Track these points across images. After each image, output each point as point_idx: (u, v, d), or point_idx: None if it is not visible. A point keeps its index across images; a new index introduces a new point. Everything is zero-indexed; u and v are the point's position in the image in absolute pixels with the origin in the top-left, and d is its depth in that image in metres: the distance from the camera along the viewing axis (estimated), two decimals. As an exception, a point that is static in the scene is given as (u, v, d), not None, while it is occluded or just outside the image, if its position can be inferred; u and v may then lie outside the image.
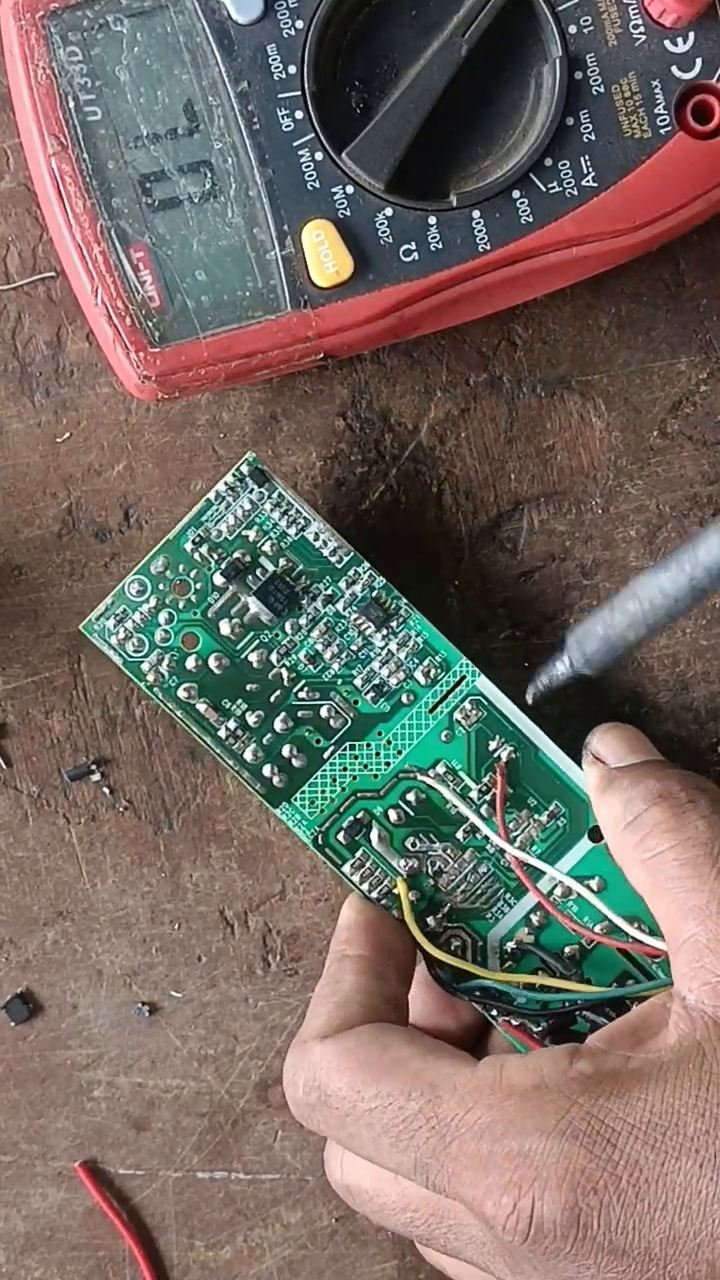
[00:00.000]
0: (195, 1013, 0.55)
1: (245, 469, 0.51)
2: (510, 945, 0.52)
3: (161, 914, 0.54)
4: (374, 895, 0.52)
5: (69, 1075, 0.55)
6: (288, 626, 0.51)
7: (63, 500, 0.54)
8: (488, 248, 0.49)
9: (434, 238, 0.49)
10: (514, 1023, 0.51)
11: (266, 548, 0.51)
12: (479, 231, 0.49)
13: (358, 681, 0.52)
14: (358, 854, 0.52)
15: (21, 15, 0.48)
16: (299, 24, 0.48)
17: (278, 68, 0.49)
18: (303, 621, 0.51)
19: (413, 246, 0.49)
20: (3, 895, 0.54)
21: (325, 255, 0.49)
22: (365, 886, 0.52)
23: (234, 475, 0.51)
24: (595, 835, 0.52)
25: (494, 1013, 0.51)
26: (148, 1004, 0.55)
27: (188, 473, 0.54)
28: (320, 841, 0.52)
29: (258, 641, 0.51)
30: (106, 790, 0.54)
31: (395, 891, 0.51)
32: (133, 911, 0.54)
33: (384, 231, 0.49)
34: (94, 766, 0.54)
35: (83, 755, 0.54)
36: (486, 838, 0.51)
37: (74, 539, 0.54)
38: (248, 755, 0.51)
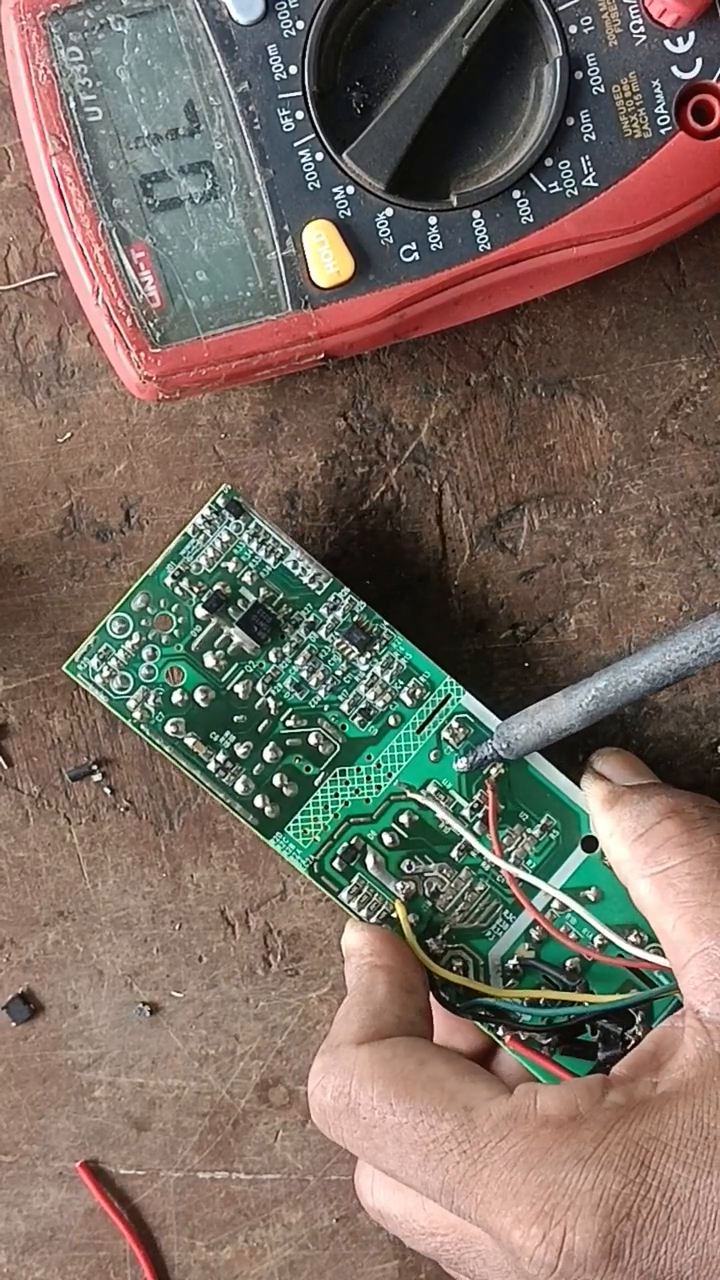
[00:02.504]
0: (196, 1013, 0.55)
1: (221, 501, 0.51)
2: (512, 962, 0.52)
3: (162, 914, 0.54)
4: (372, 921, 0.51)
5: (70, 1075, 0.55)
6: (272, 655, 0.51)
7: (64, 500, 0.54)
8: (488, 248, 0.49)
9: (434, 238, 0.49)
10: (521, 1038, 0.51)
11: (246, 578, 0.51)
12: (479, 231, 0.49)
13: (344, 706, 0.52)
14: (354, 880, 0.51)
15: (22, 15, 0.48)
16: (300, 24, 0.48)
17: (278, 68, 0.49)
18: (286, 650, 0.51)
19: (413, 247, 0.49)
20: (4, 895, 0.54)
21: (326, 255, 0.49)
22: (364, 913, 0.51)
23: (210, 508, 0.51)
24: (589, 845, 0.52)
25: (499, 1031, 0.51)
26: (148, 1004, 0.55)
27: (189, 473, 0.54)
28: (316, 870, 0.51)
29: (243, 672, 0.51)
30: (107, 790, 0.54)
31: (394, 915, 0.51)
32: (134, 912, 0.54)
33: (384, 232, 0.49)
34: (95, 766, 0.54)
35: (83, 755, 0.54)
36: (482, 854, 0.51)
37: (75, 539, 0.54)
38: (238, 787, 0.51)
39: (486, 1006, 0.51)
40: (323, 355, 0.50)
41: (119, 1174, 0.55)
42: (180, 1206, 0.55)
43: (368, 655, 0.52)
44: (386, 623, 0.52)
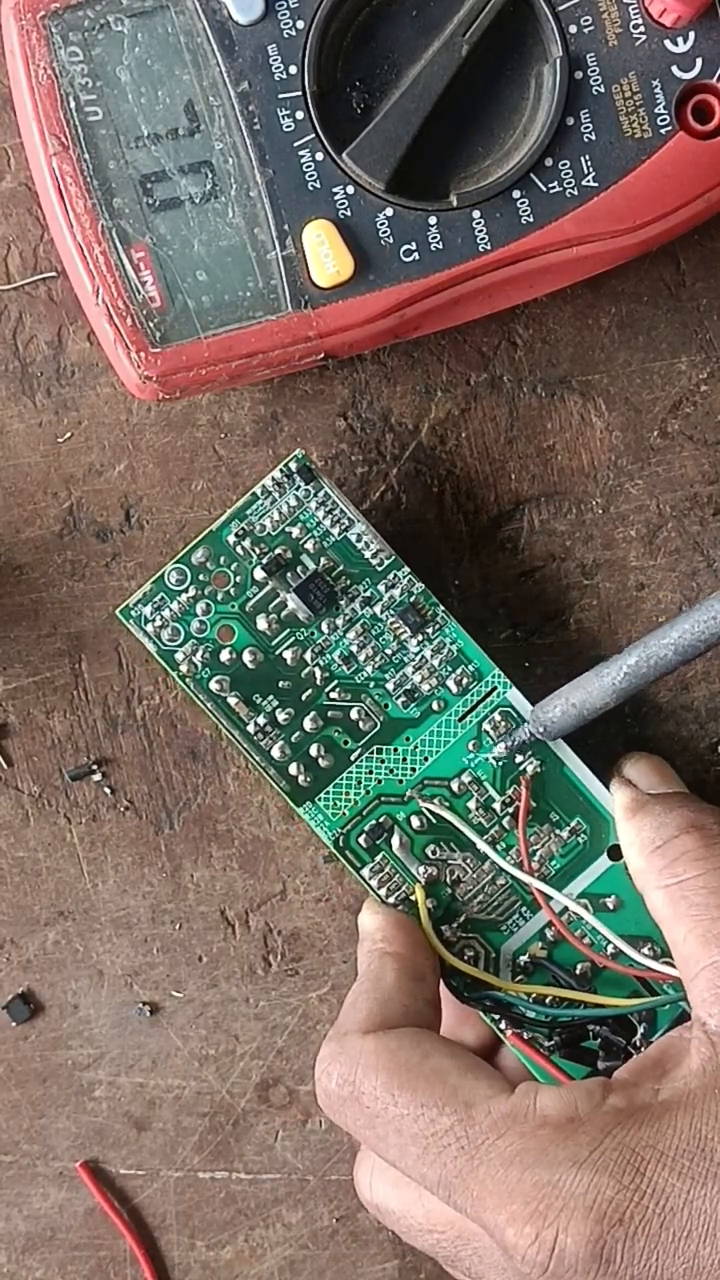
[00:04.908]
0: (196, 1013, 0.55)
1: (293, 465, 0.51)
2: (523, 959, 0.52)
3: (162, 914, 0.55)
4: (391, 901, 0.52)
5: (70, 1075, 0.55)
6: (324, 626, 0.51)
7: (64, 500, 0.54)
8: (488, 248, 0.49)
9: (434, 238, 0.49)
10: (524, 1036, 0.51)
11: (309, 545, 0.51)
12: (479, 231, 0.49)
13: (390, 685, 0.52)
14: (378, 858, 0.52)
15: (22, 15, 0.48)
16: (300, 24, 0.48)
17: (278, 68, 0.49)
18: (339, 622, 0.51)
19: (413, 246, 0.49)
20: (4, 895, 0.54)
21: (326, 255, 0.49)
22: (383, 892, 0.51)
23: (281, 471, 0.51)
24: (615, 854, 0.52)
25: (503, 1025, 0.51)
26: (149, 1004, 0.55)
27: (189, 473, 0.54)
28: (341, 844, 0.52)
29: (293, 639, 0.51)
30: (107, 790, 0.54)
31: (413, 898, 0.51)
32: (134, 911, 0.54)
33: (384, 231, 0.49)
34: (95, 766, 0.54)
35: (84, 755, 0.54)
36: (505, 852, 0.51)
37: (75, 539, 0.54)
38: (275, 752, 0.51)
39: (493, 999, 0.51)
40: (323, 355, 0.50)
41: (119, 1174, 0.55)
42: (180, 1206, 0.55)
43: (420, 638, 0.52)
44: (442, 608, 0.52)
